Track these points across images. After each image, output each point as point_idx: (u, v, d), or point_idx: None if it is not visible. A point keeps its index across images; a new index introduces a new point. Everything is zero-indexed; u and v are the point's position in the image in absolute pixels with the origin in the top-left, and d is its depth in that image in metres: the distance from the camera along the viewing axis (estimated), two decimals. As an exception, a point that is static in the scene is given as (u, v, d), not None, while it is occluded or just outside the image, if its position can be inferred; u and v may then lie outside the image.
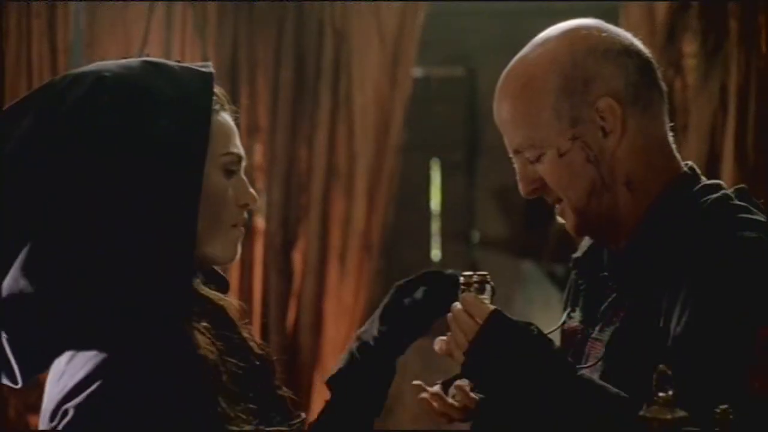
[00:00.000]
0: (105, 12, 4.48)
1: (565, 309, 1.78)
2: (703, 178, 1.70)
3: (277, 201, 4.45)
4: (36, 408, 4.46)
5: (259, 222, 4.46)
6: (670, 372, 1.18)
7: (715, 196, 1.63)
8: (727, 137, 4.01)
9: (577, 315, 1.74)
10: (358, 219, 4.46)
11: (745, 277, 1.52)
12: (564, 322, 1.76)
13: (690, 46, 4.12)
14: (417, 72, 4.92)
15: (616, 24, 4.79)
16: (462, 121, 5.53)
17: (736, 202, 1.63)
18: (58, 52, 4.40)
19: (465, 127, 5.51)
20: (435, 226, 5.50)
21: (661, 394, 1.10)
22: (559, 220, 1.71)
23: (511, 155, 1.70)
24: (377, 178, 4.46)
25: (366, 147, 4.44)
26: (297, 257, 4.50)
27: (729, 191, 1.66)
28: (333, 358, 4.47)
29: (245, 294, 4.51)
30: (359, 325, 4.48)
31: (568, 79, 1.63)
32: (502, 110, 1.69)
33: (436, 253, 5.53)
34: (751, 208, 1.63)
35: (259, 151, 4.45)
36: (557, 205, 1.69)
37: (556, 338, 1.76)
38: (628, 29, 4.92)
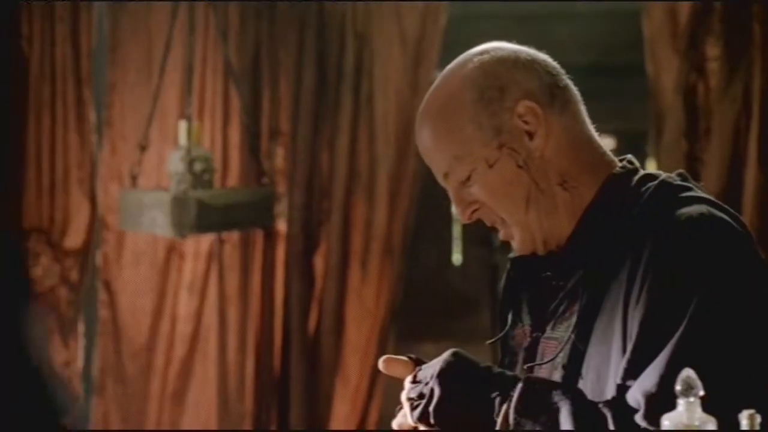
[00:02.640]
0: (128, 16, 4.50)
1: (506, 311, 1.76)
2: (642, 170, 1.69)
3: (299, 205, 4.45)
4: (58, 411, 4.47)
5: (281, 226, 4.46)
6: (695, 376, 1.17)
7: (655, 182, 1.63)
8: (751, 140, 3.99)
9: (525, 318, 1.73)
10: (380, 223, 4.46)
11: (692, 252, 1.52)
12: (512, 326, 1.74)
13: (713, 50, 4.10)
14: (438, 75, 4.91)
15: (639, 27, 4.75)
16: (483, 125, 5.51)
17: (678, 182, 1.63)
18: (82, 56, 4.42)
19: (486, 130, 5.50)
20: (456, 230, 5.49)
21: (691, 399, 1.09)
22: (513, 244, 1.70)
23: (441, 183, 1.70)
24: (399, 181, 4.46)
25: (387, 150, 4.44)
26: (318, 261, 4.50)
27: (670, 174, 1.66)
28: (354, 362, 4.47)
29: (267, 298, 4.52)
30: (381, 329, 4.50)
31: (482, 90, 1.65)
32: (424, 138, 1.69)
33: (457, 257, 5.53)
34: (692, 187, 1.63)
35: (280, 154, 4.46)
36: (501, 229, 1.68)
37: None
38: (650, 33, 4.89)
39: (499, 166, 1.63)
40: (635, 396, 1.47)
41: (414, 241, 4.64)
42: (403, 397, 1.60)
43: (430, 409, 1.55)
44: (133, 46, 4.48)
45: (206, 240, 4.46)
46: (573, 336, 1.59)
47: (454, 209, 1.70)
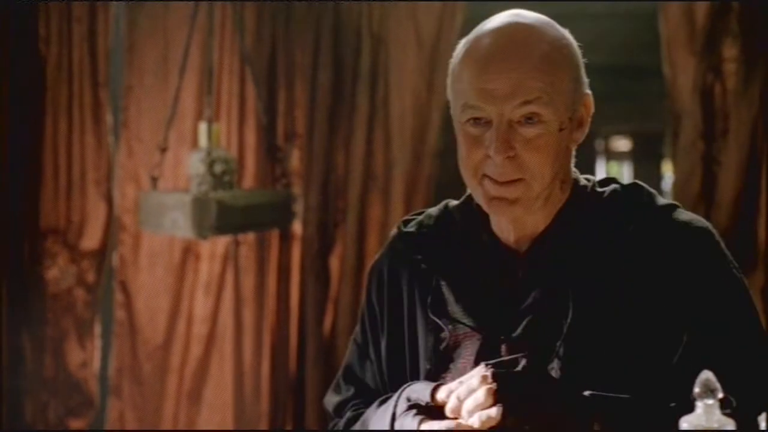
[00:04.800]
0: (145, 17, 4.51)
1: (422, 313, 1.74)
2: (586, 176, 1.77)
3: (315, 206, 4.46)
4: (76, 412, 4.49)
5: (297, 227, 4.46)
6: (714, 378, 1.16)
7: (632, 188, 1.72)
8: (768, 142, 3.98)
9: (463, 319, 1.69)
10: (396, 224, 4.45)
11: (714, 251, 1.66)
12: (439, 330, 1.71)
13: (730, 50, 4.08)
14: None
15: (656, 28, 4.71)
16: (499, 126, 5.50)
17: (648, 188, 1.73)
18: (99, 58, 4.43)
19: (502, 131, 5.49)
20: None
21: (710, 402, 1.08)
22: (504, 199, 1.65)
23: (500, 107, 1.62)
24: (414, 183, 4.45)
25: (403, 152, 4.43)
26: (334, 262, 4.50)
27: (620, 182, 1.75)
28: (370, 363, 4.46)
29: (283, 299, 4.52)
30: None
31: (578, 64, 1.70)
32: (533, 55, 1.64)
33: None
34: (654, 192, 1.74)
35: (296, 155, 4.46)
36: (509, 188, 1.63)
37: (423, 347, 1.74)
38: (667, 33, 4.85)
39: (562, 136, 1.65)
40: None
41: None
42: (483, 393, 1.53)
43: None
44: (150, 47, 4.49)
45: (222, 241, 4.46)
46: (565, 336, 1.59)
47: (493, 148, 1.62)
